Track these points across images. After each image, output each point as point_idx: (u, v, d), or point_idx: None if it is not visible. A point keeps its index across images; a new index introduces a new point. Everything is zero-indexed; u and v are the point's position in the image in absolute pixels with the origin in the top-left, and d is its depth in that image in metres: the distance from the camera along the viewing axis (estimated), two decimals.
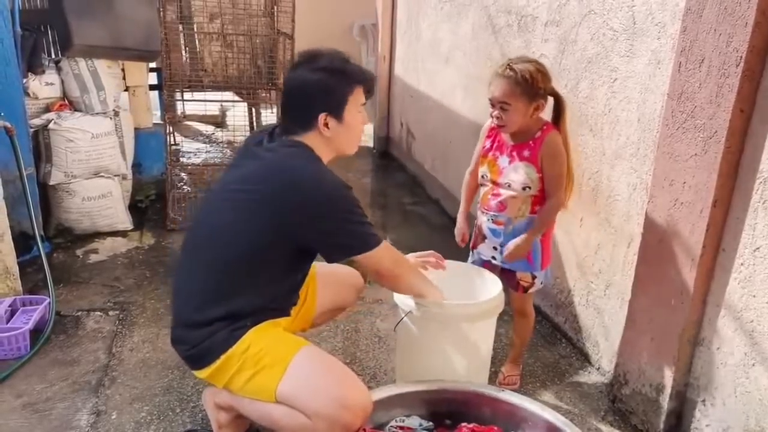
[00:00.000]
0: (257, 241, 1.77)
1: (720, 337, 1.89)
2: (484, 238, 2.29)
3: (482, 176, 2.25)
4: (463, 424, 1.86)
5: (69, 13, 3.42)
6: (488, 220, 2.23)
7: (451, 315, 2.04)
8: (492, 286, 2.18)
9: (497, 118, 2.07)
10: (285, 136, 1.87)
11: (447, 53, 4.23)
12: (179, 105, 5.10)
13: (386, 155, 5.93)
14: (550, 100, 2.14)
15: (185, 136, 5.96)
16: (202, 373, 1.84)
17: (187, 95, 5.15)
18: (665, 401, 2.06)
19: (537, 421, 1.88)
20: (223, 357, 1.76)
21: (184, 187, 4.25)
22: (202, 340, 1.79)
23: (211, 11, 4.32)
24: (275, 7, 4.34)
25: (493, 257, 2.27)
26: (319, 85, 1.80)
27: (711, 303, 1.92)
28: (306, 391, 1.69)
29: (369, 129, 6.54)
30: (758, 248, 1.74)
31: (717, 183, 1.80)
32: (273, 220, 1.75)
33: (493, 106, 2.08)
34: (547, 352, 2.70)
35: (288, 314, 1.97)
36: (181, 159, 4.51)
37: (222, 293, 1.80)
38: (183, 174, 4.40)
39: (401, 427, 1.89)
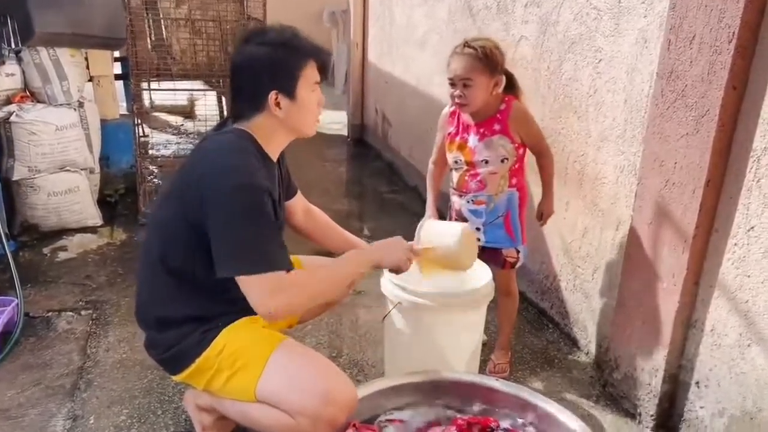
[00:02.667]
0: (186, 238, 1.64)
1: (713, 319, 1.87)
2: (465, 221, 2.25)
3: (455, 161, 2.23)
4: (458, 416, 1.81)
5: (29, 0, 3.25)
6: (468, 201, 2.23)
7: (442, 305, 1.98)
8: (480, 272, 2.13)
9: (459, 96, 2.07)
10: (235, 122, 1.74)
11: (423, 38, 4.16)
12: (147, 96, 4.97)
13: (361, 143, 5.85)
14: None
15: (154, 128, 5.79)
16: (180, 377, 1.76)
17: (154, 84, 5.02)
18: (658, 384, 2.04)
19: (531, 408, 1.84)
20: (197, 361, 1.68)
21: (155, 180, 4.11)
22: (173, 344, 1.71)
23: None
24: None
25: (478, 239, 2.24)
26: (267, 60, 1.65)
27: (704, 284, 1.90)
28: (286, 389, 1.62)
29: (343, 117, 6.45)
30: (752, 228, 1.72)
31: (710, 162, 1.77)
32: (190, 209, 1.60)
33: (453, 85, 2.08)
34: (535, 338, 2.67)
35: None
36: (151, 151, 4.36)
37: (177, 294, 1.71)
38: (153, 167, 4.26)
39: (391, 420, 1.84)
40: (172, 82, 4.78)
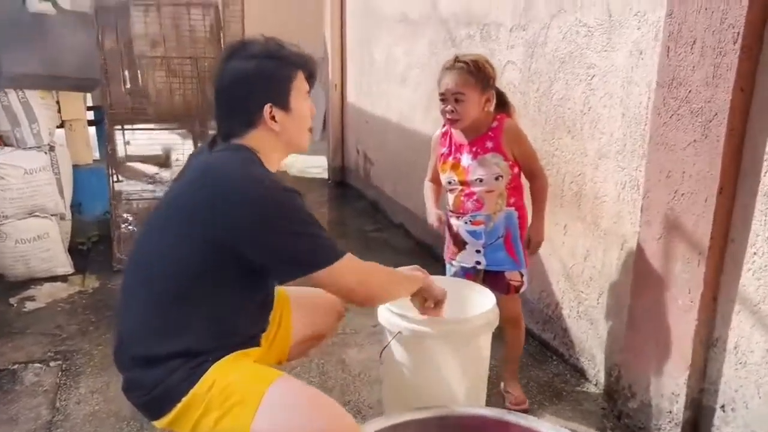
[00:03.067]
0: (196, 263, 1.51)
1: (736, 335, 1.76)
2: (463, 244, 2.17)
3: (449, 182, 2.15)
4: None
5: None
6: (466, 223, 2.13)
7: (445, 333, 1.84)
8: (484, 298, 2.00)
9: (450, 111, 2.00)
10: (227, 140, 1.63)
11: (403, 73, 4.12)
12: (120, 143, 4.84)
13: (342, 185, 5.75)
14: None
15: (128, 178, 5.64)
16: (162, 422, 1.57)
17: (129, 132, 4.90)
18: (680, 411, 1.91)
19: None
20: (184, 400, 1.50)
21: (130, 226, 3.94)
22: (157, 382, 1.53)
23: (153, 38, 4.10)
24: (221, 32, 4.16)
25: (478, 262, 2.15)
26: (258, 73, 1.57)
27: (723, 299, 1.79)
28: (285, 428, 1.45)
29: (322, 161, 6.37)
30: None
31: (721, 168, 1.69)
32: (206, 237, 1.49)
33: (444, 100, 2.02)
34: (539, 371, 2.52)
35: (258, 344, 1.73)
36: (126, 199, 4.21)
37: (170, 327, 1.54)
38: (128, 215, 4.09)
39: None
40: (148, 125, 4.68)
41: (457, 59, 2.02)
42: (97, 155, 4.59)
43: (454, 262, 2.23)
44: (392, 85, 4.36)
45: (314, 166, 6.46)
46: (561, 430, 1.72)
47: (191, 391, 1.50)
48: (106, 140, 3.93)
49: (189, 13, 4.10)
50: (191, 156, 1.83)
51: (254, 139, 1.60)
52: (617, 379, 2.19)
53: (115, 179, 3.86)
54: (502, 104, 2.11)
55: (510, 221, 2.10)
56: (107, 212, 3.92)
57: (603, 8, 2.16)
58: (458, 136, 2.12)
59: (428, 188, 2.34)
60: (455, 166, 2.12)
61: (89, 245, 3.90)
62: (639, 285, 2.03)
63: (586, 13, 2.25)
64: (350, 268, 1.56)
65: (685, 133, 1.78)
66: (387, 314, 1.92)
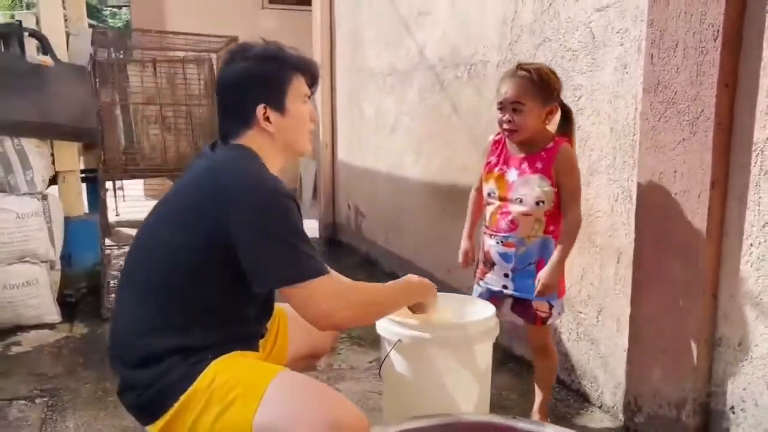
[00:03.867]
0: (193, 256, 1.50)
1: (740, 331, 1.75)
2: (492, 265, 2.05)
3: (489, 194, 2.05)
4: None
5: None
6: (497, 243, 2.01)
7: (447, 338, 1.81)
8: (484, 310, 1.98)
9: (508, 122, 1.91)
10: (226, 142, 1.64)
11: (393, 123, 4.23)
12: (112, 205, 4.86)
13: (333, 242, 5.75)
14: None
15: (118, 243, 5.61)
16: (158, 425, 1.50)
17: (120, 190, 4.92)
18: (688, 418, 1.86)
19: None
20: (182, 397, 1.45)
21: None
22: (154, 380, 1.48)
23: (148, 93, 4.20)
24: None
25: (505, 286, 2.03)
26: (252, 73, 1.59)
27: (724, 295, 1.79)
28: (290, 419, 1.39)
29: (312, 223, 6.38)
30: (767, 223, 1.65)
31: (712, 163, 1.73)
32: (204, 228, 1.48)
33: (502, 109, 1.93)
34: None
35: (256, 348, 1.69)
36: (118, 261, 4.17)
37: (166, 324, 1.52)
38: (118, 272, 4.04)
39: None
40: (142, 179, 4.71)
41: (519, 66, 1.93)
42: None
43: (481, 282, 2.12)
44: (382, 137, 4.46)
45: (305, 227, 6.48)
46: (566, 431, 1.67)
47: (191, 387, 1.46)
48: (98, 195, 3.95)
49: (184, 68, 4.24)
50: (193, 158, 1.84)
51: (251, 140, 1.61)
52: (622, 394, 2.14)
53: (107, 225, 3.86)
54: (566, 122, 2.02)
55: (545, 249, 1.97)
56: (97, 264, 3.88)
57: (585, 31, 2.27)
58: (511, 147, 2.02)
59: (471, 201, 2.21)
60: (500, 179, 2.02)
61: (78, 297, 3.82)
62: (638, 293, 2.02)
63: (570, 39, 2.35)
64: (323, 291, 1.47)
65: (673, 133, 1.84)
66: (385, 323, 1.89)
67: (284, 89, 1.61)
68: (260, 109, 1.58)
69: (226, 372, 1.47)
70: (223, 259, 1.49)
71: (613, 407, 2.26)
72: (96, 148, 4.11)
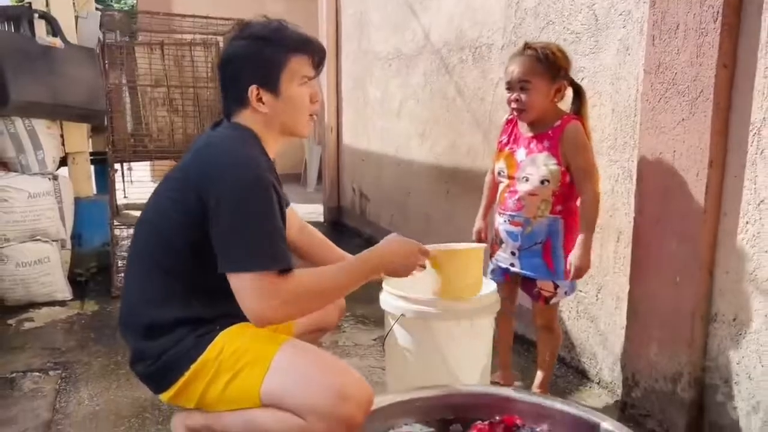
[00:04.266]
0: (188, 233, 1.52)
1: (735, 307, 1.79)
2: (501, 242, 2.11)
3: (499, 172, 2.09)
4: (477, 422, 1.64)
5: (5, 68, 3.25)
6: (505, 221, 2.06)
7: (450, 311, 1.87)
8: (486, 286, 2.03)
9: (516, 101, 1.94)
10: (228, 119, 1.67)
11: (399, 107, 4.26)
12: (120, 188, 4.90)
13: (338, 225, 5.80)
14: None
15: (126, 224, 5.68)
16: (169, 393, 1.57)
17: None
18: (684, 391, 1.91)
19: (557, 415, 1.68)
20: (192, 367, 1.51)
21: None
22: (165, 349, 1.54)
23: (156, 76, 4.24)
24: None
25: (512, 264, 2.08)
26: (247, 52, 1.58)
27: (719, 272, 1.83)
28: (296, 386, 1.45)
29: (317, 208, 6.43)
30: (762, 201, 1.69)
31: (710, 143, 1.77)
32: (191, 205, 1.50)
33: (510, 89, 1.96)
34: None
35: None
36: (125, 242, 4.22)
37: (172, 296, 1.57)
38: (128, 242, 4.11)
39: None
40: (149, 161, 4.76)
41: (527, 45, 1.95)
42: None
43: (493, 260, 2.17)
44: (388, 120, 4.49)
45: (309, 212, 6.53)
46: (569, 405, 1.73)
47: (201, 358, 1.51)
48: (106, 177, 4.00)
49: (191, 51, 4.28)
50: (199, 136, 1.88)
51: (247, 119, 1.62)
52: (620, 370, 2.19)
53: (116, 205, 3.92)
54: (578, 100, 2.02)
55: (553, 229, 1.99)
56: (106, 244, 3.95)
57: (589, 13, 2.30)
58: (522, 127, 2.05)
59: (486, 182, 2.25)
60: (509, 157, 2.06)
61: (88, 276, 3.89)
62: (637, 271, 2.07)
63: (573, 21, 2.38)
64: (257, 288, 1.42)
65: (673, 113, 1.87)
66: (389, 298, 1.95)
67: (279, 70, 1.59)
68: (253, 90, 1.58)
69: (234, 342, 1.52)
70: (206, 238, 1.49)
71: (611, 383, 2.31)
72: (104, 131, 4.17)
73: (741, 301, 1.77)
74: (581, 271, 1.93)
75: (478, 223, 2.26)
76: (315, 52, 1.66)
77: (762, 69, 1.67)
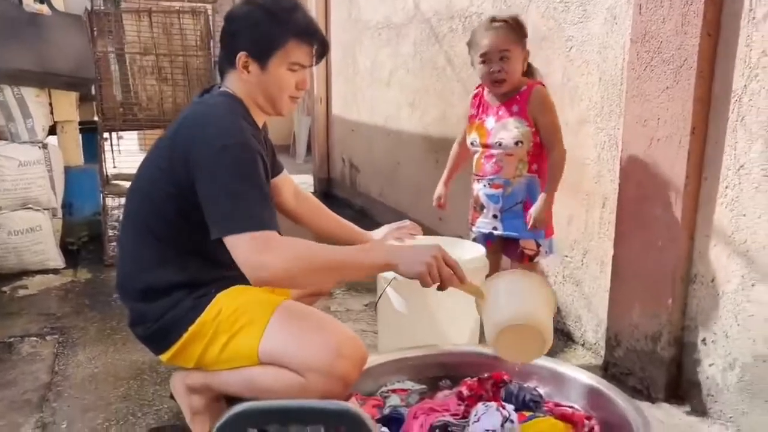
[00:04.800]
0: (175, 200, 1.55)
1: (713, 268, 1.87)
2: (482, 208, 2.18)
3: (472, 143, 2.16)
4: (467, 378, 1.71)
5: None
6: (484, 185, 2.13)
7: None
8: (474, 251, 2.09)
9: (498, 71, 1.99)
10: (221, 74, 1.69)
11: (389, 77, 4.28)
12: (110, 159, 4.89)
13: (328, 196, 5.84)
14: None
15: (116, 194, 5.68)
16: (168, 354, 1.62)
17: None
18: (663, 350, 1.99)
19: (542, 372, 1.76)
20: (191, 328, 1.56)
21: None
22: (164, 311, 1.59)
23: (144, 44, 4.21)
24: (211, 39, 4.29)
25: (494, 228, 2.15)
26: (247, 19, 1.60)
27: (700, 235, 1.90)
28: (293, 344, 1.50)
29: (307, 178, 6.46)
30: (742, 166, 1.75)
31: (693, 110, 1.82)
32: (178, 172, 1.52)
33: (488, 61, 2.01)
34: None
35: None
36: (115, 212, 4.23)
37: (166, 261, 1.61)
38: (119, 212, 4.13)
39: (394, 390, 1.73)
40: (139, 131, 4.74)
41: (494, 18, 2.03)
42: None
43: (473, 228, 2.24)
44: (378, 90, 4.50)
45: (300, 182, 6.54)
46: (552, 362, 1.80)
47: (199, 319, 1.56)
48: (95, 147, 4.00)
49: (180, 19, 4.25)
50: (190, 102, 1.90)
51: (234, 81, 1.64)
52: (603, 332, 2.27)
53: (106, 174, 3.93)
54: (529, 72, 2.13)
55: (531, 188, 2.08)
56: (97, 213, 3.97)
57: None
58: (488, 98, 2.13)
59: (452, 153, 2.36)
60: (480, 127, 2.13)
61: (79, 245, 3.92)
62: (621, 235, 2.13)
63: None
64: (257, 244, 1.41)
65: (658, 81, 1.92)
66: None
67: (273, 49, 1.59)
68: (241, 56, 1.59)
69: (232, 303, 1.57)
70: (193, 204, 1.51)
71: (595, 344, 2.40)
72: (92, 99, 4.15)
73: (719, 263, 1.84)
74: (539, 223, 2.04)
75: (439, 189, 2.34)
76: (317, 43, 1.65)
77: (744, 38, 1.72)
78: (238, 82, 1.64)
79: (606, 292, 2.25)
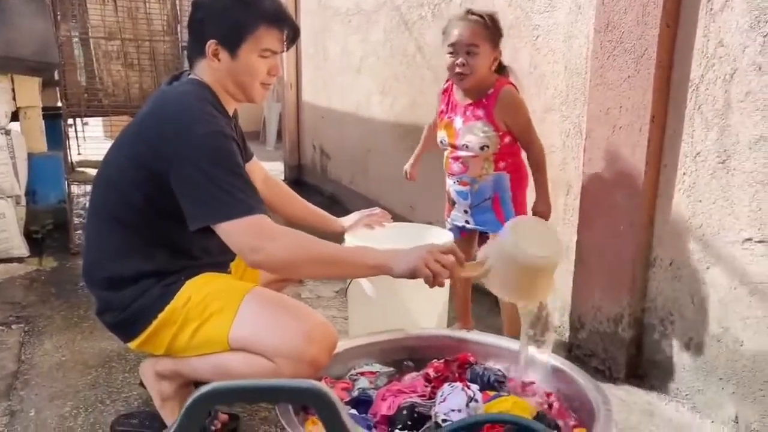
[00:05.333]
0: (144, 189, 1.55)
1: (672, 252, 1.93)
2: (454, 203, 2.22)
3: (441, 141, 2.17)
4: (434, 360, 1.75)
5: None
6: (454, 182, 2.16)
7: None
8: (443, 236, 2.13)
9: (461, 65, 1.96)
10: (190, 64, 1.68)
11: (359, 64, 4.27)
12: (74, 145, 4.80)
13: (299, 183, 5.82)
14: None
15: (80, 181, 5.58)
16: (137, 342, 1.62)
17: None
18: (624, 331, 2.06)
19: (506, 354, 1.81)
20: (160, 316, 1.56)
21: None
22: (132, 300, 1.58)
23: (109, 29, 4.14)
24: (179, 25, 4.23)
25: (467, 221, 2.19)
26: (215, 5, 1.58)
27: (659, 220, 1.97)
28: (264, 330, 1.51)
29: (277, 165, 6.43)
30: (698, 153, 1.81)
31: (653, 98, 1.88)
32: (149, 161, 1.52)
33: (455, 53, 1.97)
34: (493, 320, 2.64)
35: (227, 270, 1.80)
36: (81, 200, 4.17)
37: (133, 250, 1.60)
38: (84, 200, 4.07)
39: (362, 373, 1.75)
40: (104, 117, 4.66)
41: (470, 11, 1.99)
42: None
43: (448, 220, 2.27)
44: (348, 76, 4.50)
45: (270, 169, 6.52)
46: (516, 343, 1.85)
47: (168, 306, 1.56)
48: (59, 133, 3.92)
49: (146, 4, 4.18)
50: (158, 89, 1.88)
51: (204, 70, 1.63)
52: (568, 315, 2.34)
53: (71, 162, 3.86)
54: (500, 68, 2.10)
55: (499, 184, 2.09)
56: (62, 201, 3.91)
57: None
58: (458, 95, 2.11)
59: (425, 132, 2.40)
60: (448, 126, 2.12)
61: (44, 233, 3.85)
62: (584, 221, 2.19)
63: None
64: (252, 228, 1.44)
65: (620, 71, 1.97)
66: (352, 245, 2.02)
67: (243, 35, 1.58)
68: (211, 44, 1.58)
69: (201, 290, 1.58)
70: (162, 195, 1.51)
71: (559, 327, 2.46)
72: (56, 84, 4.07)
73: (677, 246, 1.91)
74: (545, 215, 2.07)
75: (408, 165, 2.41)
76: (288, 29, 1.65)
77: (702, 29, 1.77)
78: (208, 69, 1.63)
79: (570, 276, 2.31)
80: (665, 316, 1.98)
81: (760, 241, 1.67)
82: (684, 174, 1.86)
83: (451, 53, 2.00)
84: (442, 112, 2.19)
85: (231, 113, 1.72)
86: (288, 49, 1.71)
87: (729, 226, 1.75)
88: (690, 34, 1.81)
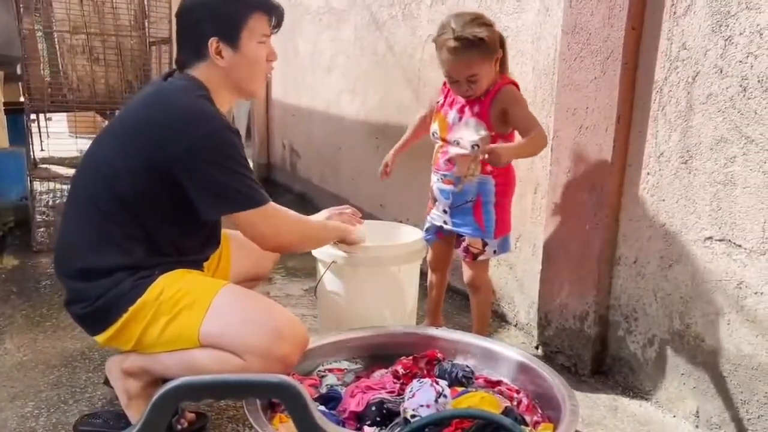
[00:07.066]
0: (134, 181, 1.55)
1: (636, 250, 1.97)
2: (435, 201, 2.17)
3: (433, 134, 2.12)
4: (402, 357, 1.76)
5: None
6: (438, 179, 2.11)
7: (378, 257, 1.96)
8: (413, 234, 2.14)
9: (466, 91, 1.94)
10: (182, 71, 1.68)
11: (329, 62, 4.26)
12: (38, 142, 4.69)
13: (268, 181, 5.78)
14: None
15: (44, 178, 5.44)
16: (105, 335, 1.59)
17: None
18: (590, 328, 2.10)
19: (474, 350, 1.83)
20: (131, 308, 1.54)
21: (50, 214, 3.83)
22: (103, 292, 1.56)
23: (74, 23, 4.05)
24: (146, 20, 4.16)
25: (445, 222, 2.13)
26: (208, 4, 1.61)
27: (624, 219, 2.00)
28: (234, 327, 1.52)
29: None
30: (662, 154, 1.86)
31: (618, 99, 1.91)
32: (146, 154, 1.53)
33: (456, 83, 1.95)
34: (463, 318, 2.67)
35: (201, 268, 1.78)
36: (44, 197, 4.07)
37: (111, 243, 1.58)
38: (45, 208, 3.96)
39: (330, 369, 1.76)
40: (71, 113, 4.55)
41: (457, 38, 1.85)
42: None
43: (428, 217, 2.21)
44: (318, 75, 4.48)
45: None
46: (484, 340, 1.87)
47: (140, 299, 1.54)
48: (20, 129, 3.83)
49: None
50: (146, 86, 1.87)
51: (203, 72, 1.64)
52: (535, 312, 2.37)
53: (34, 159, 3.77)
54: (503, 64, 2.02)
55: (484, 188, 2.03)
56: (24, 198, 3.82)
57: None
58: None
59: (412, 125, 2.31)
60: (442, 120, 2.08)
61: (5, 231, 3.76)
62: (551, 219, 2.22)
63: None
64: (268, 216, 1.63)
65: (587, 72, 2.00)
66: (320, 249, 2.02)
67: (240, 25, 1.61)
68: (212, 42, 1.60)
69: (174, 285, 1.56)
70: (163, 187, 1.55)
71: (527, 324, 2.49)
72: (17, 79, 3.98)
73: (641, 244, 1.95)
74: (492, 154, 1.82)
75: (388, 156, 2.32)
76: (274, 12, 1.70)
77: (666, 31, 1.81)
78: (208, 71, 1.64)
79: (538, 274, 2.34)
80: (629, 313, 2.02)
81: (720, 240, 1.71)
82: (648, 174, 1.90)
83: (453, 83, 1.96)
84: (439, 104, 2.13)
85: (224, 113, 1.71)
86: (275, 33, 1.75)
87: (691, 225, 1.79)
88: (654, 37, 1.85)
